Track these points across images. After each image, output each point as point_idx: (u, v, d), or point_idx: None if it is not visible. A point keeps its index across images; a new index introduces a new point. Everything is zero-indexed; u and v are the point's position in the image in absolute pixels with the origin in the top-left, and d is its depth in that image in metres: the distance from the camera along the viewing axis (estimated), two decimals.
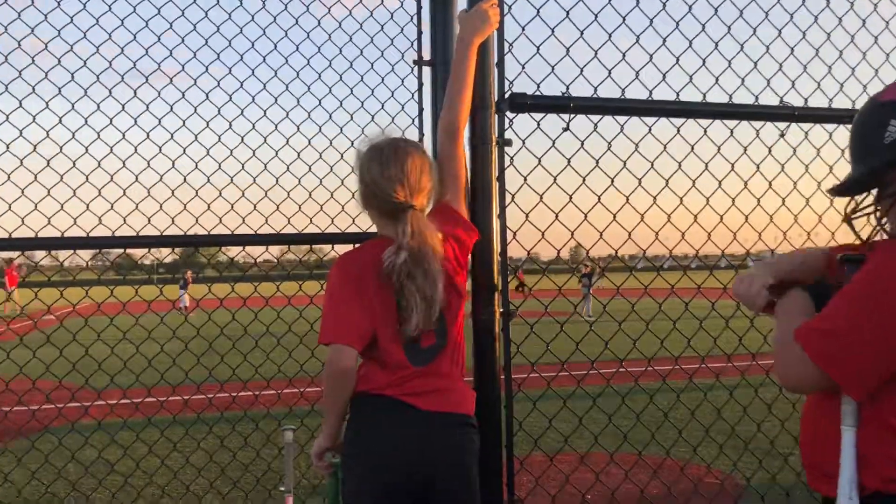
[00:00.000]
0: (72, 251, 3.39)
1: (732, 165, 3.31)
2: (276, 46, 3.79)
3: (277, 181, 3.79)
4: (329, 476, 2.47)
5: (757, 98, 3.17)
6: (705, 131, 3.23)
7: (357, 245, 2.49)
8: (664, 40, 3.24)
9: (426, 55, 3.24)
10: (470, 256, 2.65)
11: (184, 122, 3.64)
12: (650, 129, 3.11)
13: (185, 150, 3.63)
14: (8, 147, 3.40)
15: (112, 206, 3.50)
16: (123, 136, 3.58)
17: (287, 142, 3.84)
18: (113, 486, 5.51)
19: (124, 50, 3.52)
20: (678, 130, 3.13)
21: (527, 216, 2.86)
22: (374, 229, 3.34)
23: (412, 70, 3.57)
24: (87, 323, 3.66)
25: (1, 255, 3.46)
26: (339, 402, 2.24)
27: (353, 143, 3.90)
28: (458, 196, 2.51)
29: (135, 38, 3.51)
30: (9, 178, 3.41)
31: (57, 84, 3.46)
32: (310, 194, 3.87)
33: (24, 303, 24.76)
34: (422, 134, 3.50)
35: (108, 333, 3.68)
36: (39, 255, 3.61)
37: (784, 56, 3.38)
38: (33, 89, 3.44)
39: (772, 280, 1.81)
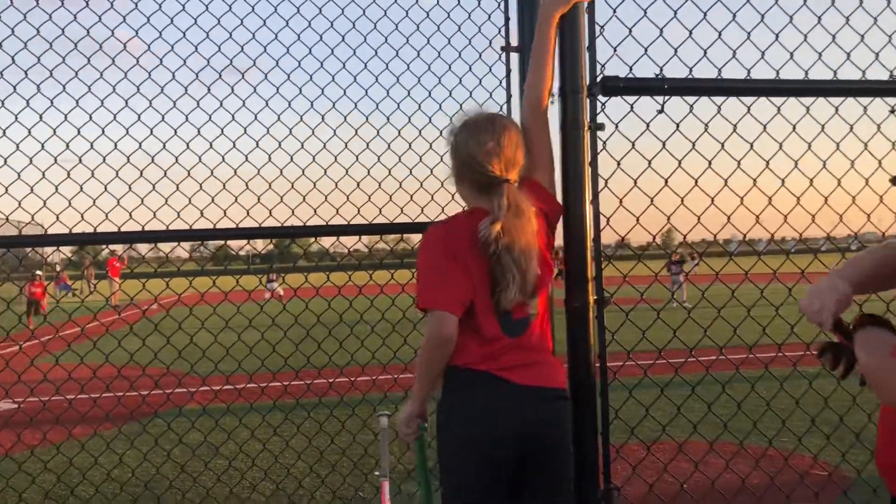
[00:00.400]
0: (175, 243, 3.53)
1: (838, 144, 3.15)
2: (365, 39, 3.84)
3: (369, 172, 3.85)
4: (415, 442, 2.51)
5: (864, 73, 3.00)
6: (808, 109, 3.09)
7: (448, 217, 2.48)
8: (762, 17, 3.11)
9: (514, 41, 3.22)
10: (562, 242, 2.63)
11: (279, 116, 3.75)
12: (749, 109, 3.00)
13: (280, 144, 3.73)
14: (116, 145, 3.57)
15: (213, 200, 3.64)
16: (222, 131, 3.71)
17: (378, 133, 3.89)
18: (218, 468, 5.75)
19: (221, 48, 3.63)
20: (778, 110, 3.00)
21: (620, 201, 2.81)
22: None
23: (500, 57, 3.55)
24: (191, 312, 3.82)
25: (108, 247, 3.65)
26: (434, 369, 2.24)
27: (441, 133, 3.93)
28: (545, 172, 2.50)
29: (230, 35, 3.62)
30: (117, 174, 3.58)
31: (159, 83, 3.61)
32: (400, 184, 3.92)
33: (122, 294, 26.06)
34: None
35: (211, 322, 3.82)
36: (144, 247, 3.77)
37: (892, 29, 3.18)
38: (138, 89, 3.60)
39: (841, 295, 1.72)
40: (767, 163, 3.01)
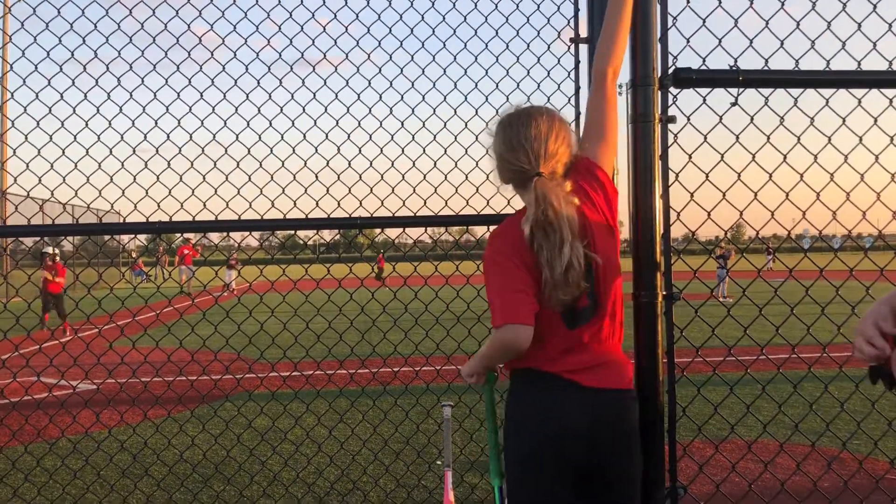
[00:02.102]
0: (247, 233, 3.62)
1: None
2: (433, 31, 3.86)
3: (436, 164, 3.88)
4: (484, 389, 2.60)
5: None
6: (891, 102, 2.97)
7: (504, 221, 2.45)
8: (844, 6, 3.00)
9: (583, 32, 3.19)
10: (630, 236, 2.59)
11: (348, 108, 3.80)
12: (827, 102, 2.90)
13: (349, 136, 3.78)
14: (191, 136, 3.68)
15: (283, 191, 3.72)
16: (293, 123, 3.78)
17: (444, 125, 3.90)
18: (285, 453, 5.88)
19: (293, 41, 3.70)
20: (859, 102, 2.90)
21: (692, 195, 2.76)
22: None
23: (569, 48, 3.52)
24: (261, 300, 3.91)
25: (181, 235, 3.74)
26: (496, 363, 2.31)
27: None
28: (602, 149, 2.38)
29: (302, 28, 3.69)
30: (192, 165, 3.69)
31: (233, 76, 3.71)
32: (466, 176, 3.93)
33: (195, 282, 26.77)
34: (578, 112, 3.45)
35: (280, 310, 3.91)
36: (216, 236, 3.88)
37: None
38: (212, 82, 3.70)
39: (877, 315, 1.65)
40: (846, 157, 2.91)
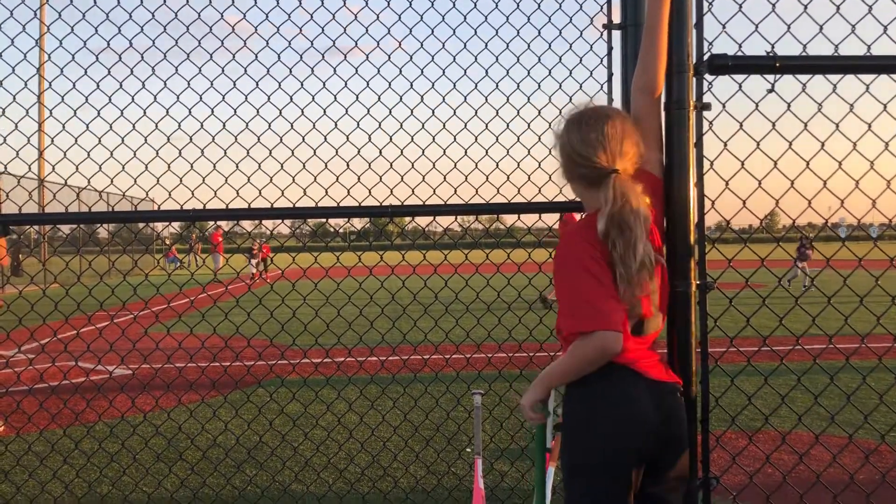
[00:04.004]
0: (279, 220, 3.65)
1: None
2: (465, 18, 3.84)
3: (466, 153, 3.87)
4: (538, 426, 2.52)
5: None
6: None
7: (581, 217, 2.41)
8: None
9: (616, 18, 3.15)
10: (665, 225, 2.56)
11: (379, 97, 3.80)
12: (867, 88, 2.83)
13: (380, 125, 3.78)
14: (224, 125, 3.71)
15: (315, 179, 3.74)
16: (325, 112, 3.80)
17: (476, 113, 3.89)
18: (316, 439, 5.94)
19: (325, 29, 3.70)
20: None
21: (727, 184, 2.72)
22: (562, 198, 3.34)
23: (601, 35, 3.49)
24: (294, 287, 3.94)
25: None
26: (581, 374, 2.17)
27: (539, 113, 3.90)
28: (659, 157, 2.45)
29: (334, 17, 3.70)
30: (225, 153, 3.73)
31: (265, 64, 3.73)
32: (496, 165, 3.92)
33: (228, 268, 27.06)
34: (611, 99, 3.42)
35: (312, 297, 3.93)
36: (248, 224, 3.91)
37: None
38: (245, 70, 3.72)
39: None
40: (887, 144, 2.85)
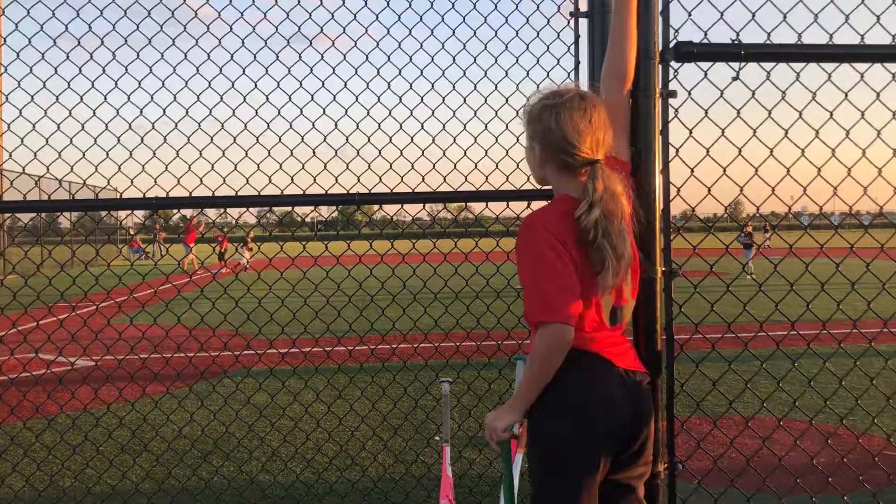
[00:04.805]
0: (244, 209, 3.60)
1: None
2: (432, 5, 3.81)
3: (434, 140, 3.85)
4: (502, 444, 2.39)
5: None
6: (894, 76, 2.94)
7: (544, 205, 2.36)
8: None
9: (583, 6, 3.15)
10: (630, 212, 2.57)
11: (345, 83, 3.76)
12: (829, 77, 2.87)
13: (346, 112, 3.74)
14: (187, 112, 3.64)
15: (280, 167, 3.69)
16: (290, 98, 3.74)
17: (443, 100, 3.87)
18: (284, 429, 5.90)
19: (290, 14, 3.65)
20: (861, 76, 2.86)
21: (692, 171, 2.74)
22: (530, 186, 3.33)
23: (568, 23, 3.48)
24: (259, 276, 3.90)
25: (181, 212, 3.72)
26: (548, 376, 2.15)
27: (507, 101, 3.89)
28: (627, 146, 2.46)
29: (299, 2, 3.64)
30: (188, 140, 3.66)
31: (229, 50, 3.66)
32: (465, 153, 3.90)
33: (195, 260, 26.81)
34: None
35: (278, 286, 3.89)
36: (213, 213, 3.86)
37: None
38: (208, 56, 3.65)
39: None
40: (847, 132, 2.89)
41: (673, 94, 2.56)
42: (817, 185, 2.96)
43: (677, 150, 2.63)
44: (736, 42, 2.52)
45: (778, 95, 2.82)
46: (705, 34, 2.62)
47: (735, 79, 2.60)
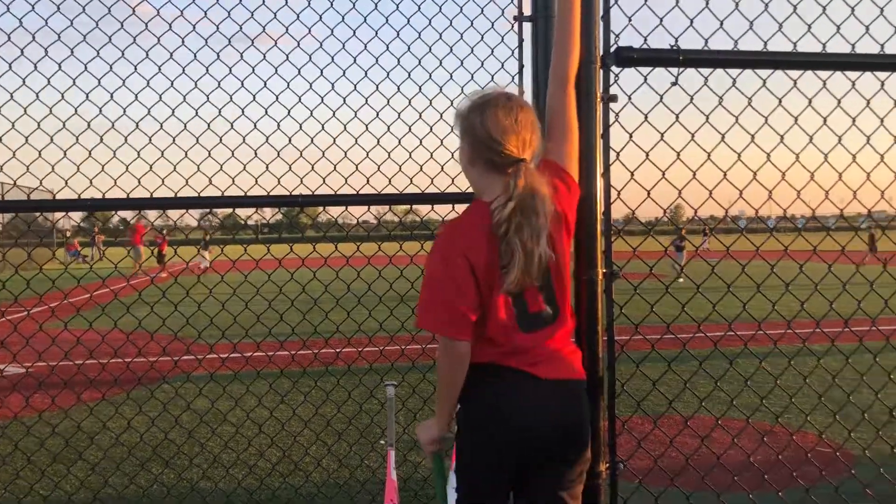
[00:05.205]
0: (183, 210, 3.52)
1: (854, 120, 3.10)
2: (376, 6, 3.79)
3: (378, 142, 3.83)
4: (435, 455, 2.45)
5: (883, 47, 2.94)
6: (824, 84, 3.03)
7: (462, 212, 2.40)
8: None
9: (527, 10, 3.17)
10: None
11: (288, 83, 3.71)
12: (764, 83, 2.95)
13: (289, 112, 3.70)
14: (125, 111, 3.55)
15: (221, 167, 3.62)
16: (231, 98, 3.68)
17: (388, 102, 3.85)
18: (225, 435, 5.79)
19: (231, 13, 3.59)
20: (795, 83, 2.95)
21: (632, 174, 2.78)
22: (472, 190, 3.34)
23: (512, 26, 3.50)
24: (199, 279, 3.82)
25: (117, 214, 3.62)
26: (456, 386, 2.21)
27: (452, 103, 3.89)
28: (568, 150, 2.42)
29: (240, 2, 3.58)
30: (126, 140, 3.57)
31: (168, 48, 3.58)
32: (410, 155, 3.89)
33: (140, 262, 26.19)
34: (522, 91, 3.44)
35: (218, 290, 3.83)
36: (152, 214, 3.76)
37: None
38: (147, 54, 3.57)
39: None
40: (782, 137, 2.97)
41: (614, 98, 2.59)
42: (754, 189, 3.04)
43: (618, 154, 2.67)
44: (675, 48, 2.57)
45: (716, 101, 2.89)
46: (645, 39, 2.67)
47: (674, 84, 2.65)
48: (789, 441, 5.46)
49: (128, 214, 3.61)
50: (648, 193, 2.85)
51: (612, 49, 2.57)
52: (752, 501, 3.30)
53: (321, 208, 3.54)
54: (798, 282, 3.14)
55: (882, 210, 3.68)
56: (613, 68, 2.60)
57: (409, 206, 3.75)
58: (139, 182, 3.44)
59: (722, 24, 2.85)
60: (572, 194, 2.37)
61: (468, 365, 2.17)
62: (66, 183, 3.33)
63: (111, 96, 3.58)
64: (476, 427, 2.23)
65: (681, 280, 20.24)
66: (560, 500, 2.26)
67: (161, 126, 3.62)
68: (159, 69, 3.57)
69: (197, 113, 3.61)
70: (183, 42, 3.58)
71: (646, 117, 2.82)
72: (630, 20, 2.74)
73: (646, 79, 2.77)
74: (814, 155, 3.16)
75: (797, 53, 2.74)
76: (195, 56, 3.58)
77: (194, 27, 3.65)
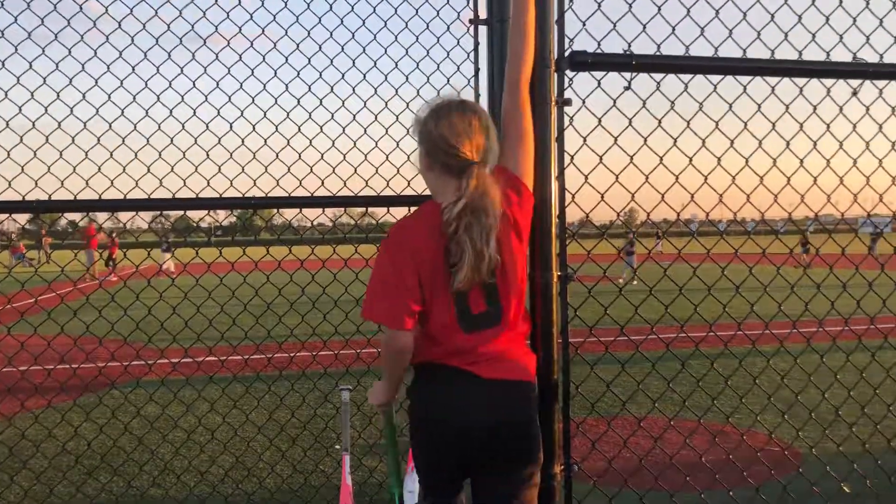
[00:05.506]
0: (133, 213, 3.45)
1: (801, 125, 3.17)
2: (331, 7, 3.76)
3: (333, 143, 3.79)
4: (384, 415, 2.63)
5: (828, 55, 3.01)
6: (773, 89, 3.09)
7: (413, 211, 2.45)
8: None
9: (482, 14, 3.17)
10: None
11: (241, 84, 3.65)
12: (715, 88, 2.99)
13: (242, 113, 3.64)
14: (72, 110, 3.46)
15: (172, 169, 3.55)
16: (182, 98, 3.61)
17: (343, 104, 3.82)
18: (176, 441, 5.68)
19: (182, 13, 3.52)
20: (745, 89, 3.00)
21: (586, 178, 2.80)
22: (429, 193, 3.33)
23: (468, 30, 3.51)
24: (149, 283, 3.74)
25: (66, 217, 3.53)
26: (398, 372, 2.34)
27: (408, 105, 3.88)
28: (522, 155, 2.43)
29: (192, 1, 3.52)
30: (73, 140, 3.48)
31: (118, 47, 3.50)
32: (365, 157, 3.86)
33: (100, 265, 25.57)
34: (478, 94, 3.45)
35: (169, 294, 3.75)
36: (101, 217, 3.69)
37: (858, 10, 3.21)
38: (95, 53, 3.49)
39: None
40: (732, 142, 3.02)
41: (568, 102, 2.61)
42: (706, 193, 3.09)
43: (572, 158, 2.69)
44: (627, 53, 2.59)
45: (668, 105, 2.93)
46: (599, 44, 2.69)
47: (627, 88, 2.68)
48: (740, 441, 5.56)
49: (77, 216, 3.50)
50: (602, 197, 2.87)
51: (567, 53, 2.59)
52: (703, 501, 3.35)
53: (275, 210, 3.50)
54: (748, 284, 3.20)
55: (829, 213, 3.77)
56: (568, 72, 2.62)
57: (364, 209, 3.73)
58: (87, 183, 3.35)
59: (674, 29, 2.89)
60: (524, 201, 2.38)
61: (410, 354, 2.26)
62: (10, 184, 3.23)
63: (58, 95, 3.48)
64: (419, 426, 2.31)
65: (634, 283, 20.61)
66: (506, 501, 2.29)
67: (110, 126, 3.54)
68: (108, 68, 3.48)
69: (147, 113, 3.54)
70: (132, 41, 3.51)
71: (599, 121, 2.85)
72: (584, 25, 2.76)
73: (599, 83, 2.79)
74: (764, 160, 3.23)
75: (746, 60, 2.79)
76: (145, 55, 3.50)
77: (144, 26, 3.58)
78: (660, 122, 2.94)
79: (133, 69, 3.55)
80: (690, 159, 2.94)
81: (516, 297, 2.31)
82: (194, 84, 3.67)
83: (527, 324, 2.42)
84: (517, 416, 2.28)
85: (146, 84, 3.63)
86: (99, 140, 3.56)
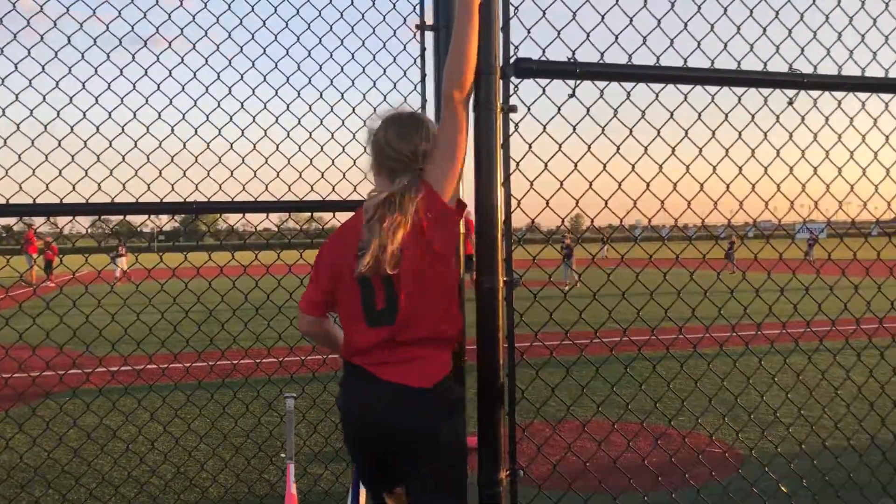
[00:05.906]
0: (71, 217, 3.36)
1: (740, 133, 3.25)
2: (276, 10, 3.71)
3: (278, 147, 3.74)
4: None
5: (766, 65, 3.10)
6: (713, 98, 3.17)
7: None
8: (672, 5, 3.17)
9: (429, 20, 3.18)
10: (473, 225, 2.63)
11: (183, 87, 3.57)
12: (657, 96, 3.05)
13: (184, 116, 3.57)
14: (4, 112, 3.35)
15: (111, 173, 3.45)
16: (122, 101, 3.52)
17: (287, 108, 3.78)
18: (115, 452, 5.53)
19: (122, 13, 3.44)
20: (685, 97, 3.07)
21: (531, 184, 2.81)
22: None
23: (415, 35, 3.51)
24: (87, 290, 3.63)
25: (4, 221, 3.43)
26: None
27: (354, 110, 3.86)
28: (446, 169, 2.41)
29: (132, 1, 3.44)
30: (5, 142, 3.37)
31: (53, 48, 3.40)
32: (311, 161, 3.82)
33: (38, 270, 24.78)
34: (424, 99, 3.44)
35: (108, 301, 3.65)
36: (38, 221, 3.58)
37: (793, 22, 3.31)
38: (28, 52, 3.39)
39: None
40: (673, 149, 3.08)
41: (513, 108, 2.62)
42: (648, 199, 3.14)
43: (517, 164, 2.70)
44: (572, 60, 2.62)
45: (632, 113, 2.97)
46: (543, 51, 2.71)
47: (571, 96, 2.70)
48: (682, 443, 5.66)
49: (11, 220, 3.38)
50: (547, 203, 2.89)
51: (512, 60, 2.60)
52: (646, 503, 3.39)
53: (218, 216, 3.44)
54: (689, 288, 3.26)
55: (768, 220, 3.87)
56: (513, 79, 2.63)
57: (309, 214, 3.70)
58: (20, 187, 3.24)
59: (617, 38, 2.93)
60: (437, 219, 2.37)
61: (319, 340, 2.66)
62: None
63: None
64: (341, 421, 2.52)
65: (577, 285, 20.90)
66: (419, 492, 2.37)
67: (45, 129, 3.43)
68: (43, 69, 3.38)
69: (84, 115, 3.44)
70: (69, 41, 3.41)
71: (544, 128, 2.87)
72: (529, 32, 2.78)
73: (544, 90, 2.82)
74: (705, 167, 3.30)
75: (687, 69, 2.85)
76: (83, 56, 3.40)
77: (81, 25, 3.48)
78: (603, 129, 2.98)
79: (70, 70, 3.44)
80: (633, 166, 2.99)
81: (418, 300, 2.33)
82: (134, 86, 3.59)
83: (453, 328, 2.41)
84: (406, 420, 2.30)
85: (83, 85, 3.53)
86: (33, 143, 3.44)
